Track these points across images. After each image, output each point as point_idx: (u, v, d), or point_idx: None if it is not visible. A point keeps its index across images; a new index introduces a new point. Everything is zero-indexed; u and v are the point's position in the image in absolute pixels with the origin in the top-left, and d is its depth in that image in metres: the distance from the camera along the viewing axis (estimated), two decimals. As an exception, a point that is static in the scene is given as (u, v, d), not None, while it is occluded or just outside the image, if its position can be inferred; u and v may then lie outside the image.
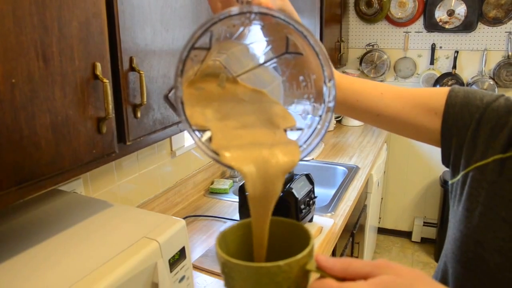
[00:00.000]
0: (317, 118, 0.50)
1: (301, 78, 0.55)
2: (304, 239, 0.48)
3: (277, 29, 0.54)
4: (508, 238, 0.66)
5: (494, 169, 0.68)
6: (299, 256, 0.43)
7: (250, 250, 0.50)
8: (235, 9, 0.47)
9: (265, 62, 0.58)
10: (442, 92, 0.74)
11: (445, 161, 0.76)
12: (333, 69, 0.50)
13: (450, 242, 0.75)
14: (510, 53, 2.89)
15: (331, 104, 0.49)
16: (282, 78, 0.58)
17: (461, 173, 0.72)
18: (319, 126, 0.50)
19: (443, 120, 0.73)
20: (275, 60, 0.57)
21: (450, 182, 0.77)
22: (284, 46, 0.56)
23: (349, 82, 0.77)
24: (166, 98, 0.53)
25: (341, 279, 0.43)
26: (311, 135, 0.50)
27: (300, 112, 0.55)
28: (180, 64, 0.46)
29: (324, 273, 0.44)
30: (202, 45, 0.48)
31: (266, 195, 0.47)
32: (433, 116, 0.74)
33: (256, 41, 0.58)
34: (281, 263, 0.42)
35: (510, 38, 2.88)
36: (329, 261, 0.44)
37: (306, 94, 0.54)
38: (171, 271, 0.87)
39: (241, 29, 0.54)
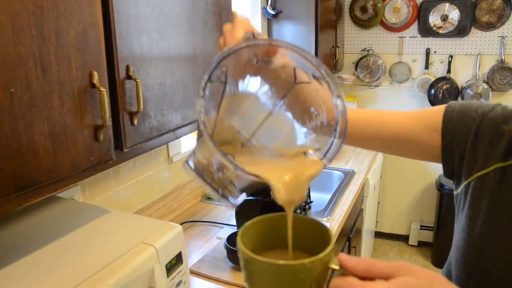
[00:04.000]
0: (331, 136, 0.54)
1: (312, 109, 0.58)
2: (324, 237, 0.49)
3: (277, 73, 0.59)
4: (510, 246, 0.67)
5: (495, 177, 0.69)
6: (322, 254, 0.44)
7: (265, 247, 0.52)
8: (243, 43, 0.52)
9: (274, 108, 0.61)
10: (439, 109, 0.77)
11: (448, 174, 0.78)
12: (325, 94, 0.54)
13: (454, 250, 0.76)
14: (503, 57, 2.92)
15: (344, 118, 0.52)
16: (293, 118, 0.61)
17: (464, 183, 0.74)
18: (336, 140, 0.53)
19: (442, 136, 0.75)
20: (283, 103, 0.61)
21: (454, 193, 0.78)
22: (290, 81, 0.60)
23: (352, 113, 0.82)
24: (186, 163, 0.56)
25: (362, 278, 0.44)
26: (329, 148, 0.53)
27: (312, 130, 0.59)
28: (200, 104, 0.48)
29: (346, 271, 0.45)
30: (217, 78, 0.52)
31: (292, 202, 0.49)
32: (433, 133, 0.76)
33: (263, 87, 0.62)
34: (306, 261, 0.43)
35: (503, 42, 2.91)
36: (352, 261, 0.45)
37: (319, 121, 0.57)
38: (168, 276, 0.88)
39: (247, 78, 0.59)
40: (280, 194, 0.48)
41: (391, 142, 0.80)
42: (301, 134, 0.60)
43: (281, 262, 0.44)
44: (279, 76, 0.61)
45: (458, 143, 0.73)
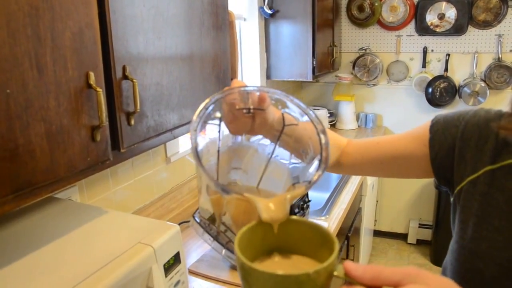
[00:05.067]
0: (316, 161, 0.59)
1: (301, 149, 0.64)
2: (325, 241, 0.47)
3: (269, 123, 0.68)
4: (502, 247, 0.67)
5: (485, 180, 0.70)
6: (327, 263, 0.42)
7: (264, 251, 0.50)
8: (236, 88, 0.61)
9: (272, 155, 0.68)
10: (426, 124, 0.80)
11: (442, 183, 0.79)
12: (328, 132, 0.60)
13: (449, 253, 0.77)
14: (500, 56, 2.93)
15: (326, 150, 0.58)
16: (289, 161, 0.68)
17: (457, 189, 0.75)
18: (319, 170, 0.57)
19: (430, 148, 0.77)
20: (278, 147, 0.69)
21: (451, 200, 0.80)
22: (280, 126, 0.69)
23: (352, 144, 0.88)
24: (193, 218, 0.61)
25: (369, 286, 0.43)
26: (313, 176, 0.57)
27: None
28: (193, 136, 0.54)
29: (352, 280, 0.43)
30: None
31: (275, 220, 0.50)
32: (423, 147, 0.78)
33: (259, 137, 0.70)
34: (310, 271, 0.41)
35: (500, 40, 2.92)
36: (358, 269, 0.43)
37: (309, 157, 0.61)
38: (166, 276, 0.88)
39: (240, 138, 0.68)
40: (263, 212, 0.49)
41: (390, 163, 0.83)
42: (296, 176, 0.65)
43: (284, 273, 0.41)
44: (273, 126, 0.68)
45: (446, 153, 0.75)
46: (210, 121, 0.59)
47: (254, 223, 0.50)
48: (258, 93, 0.64)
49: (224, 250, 0.57)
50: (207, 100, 0.57)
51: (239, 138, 0.67)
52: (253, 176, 0.62)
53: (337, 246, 0.45)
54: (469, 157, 0.72)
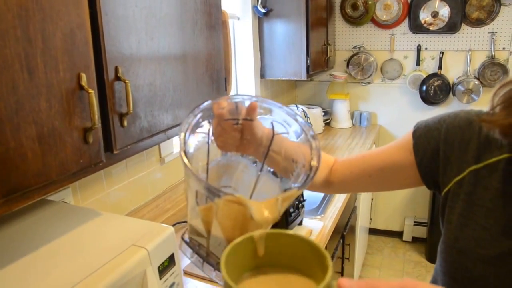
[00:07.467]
0: (307, 165, 0.59)
1: (292, 159, 0.64)
2: (317, 258, 0.44)
3: (258, 137, 0.68)
4: (489, 246, 0.68)
5: (470, 180, 0.71)
6: (322, 285, 0.40)
7: (252, 267, 0.48)
8: (225, 97, 0.62)
9: (261, 169, 0.68)
10: (409, 132, 0.81)
11: (431, 187, 0.80)
12: (322, 153, 0.60)
13: (438, 255, 0.78)
14: (493, 53, 2.94)
15: (317, 154, 0.58)
16: (279, 176, 0.68)
17: (444, 191, 0.76)
18: (311, 173, 0.58)
19: (415, 154, 0.78)
20: (267, 162, 0.69)
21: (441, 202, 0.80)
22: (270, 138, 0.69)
23: (339, 162, 0.90)
24: (182, 239, 0.61)
25: None
26: (306, 179, 0.58)
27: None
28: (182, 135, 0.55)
29: None
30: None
31: (268, 221, 0.51)
32: (409, 155, 0.79)
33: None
34: None
35: (493, 38, 2.93)
36: (353, 286, 0.42)
37: (300, 166, 0.61)
38: (160, 278, 0.87)
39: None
40: (256, 213, 0.49)
41: (378, 176, 0.84)
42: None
43: None
44: (261, 142, 0.68)
45: (431, 156, 0.76)
46: (199, 130, 0.58)
47: (241, 239, 0.46)
48: (247, 102, 0.64)
49: (214, 273, 0.56)
50: (195, 108, 0.58)
51: (229, 153, 0.68)
52: (243, 193, 0.61)
53: (330, 264, 0.43)
54: (454, 158, 0.73)
